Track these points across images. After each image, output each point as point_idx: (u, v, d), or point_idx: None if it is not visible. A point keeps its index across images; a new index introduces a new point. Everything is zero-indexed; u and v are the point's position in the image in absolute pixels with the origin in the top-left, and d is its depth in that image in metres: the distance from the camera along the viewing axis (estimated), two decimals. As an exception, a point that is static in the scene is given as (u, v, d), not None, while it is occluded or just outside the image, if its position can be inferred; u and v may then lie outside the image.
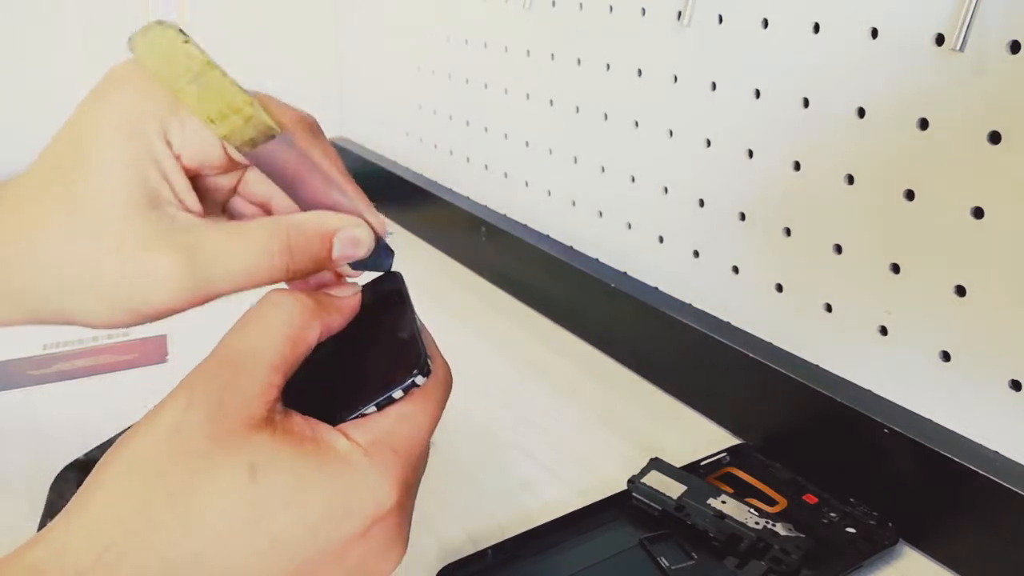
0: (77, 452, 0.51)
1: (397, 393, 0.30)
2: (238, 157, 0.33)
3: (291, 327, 0.30)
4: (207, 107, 0.31)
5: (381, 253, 0.35)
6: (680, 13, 0.56)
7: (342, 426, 0.30)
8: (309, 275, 0.34)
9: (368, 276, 0.36)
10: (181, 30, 0.30)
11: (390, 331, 0.33)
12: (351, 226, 0.33)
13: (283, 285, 0.34)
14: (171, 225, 0.31)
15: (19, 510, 0.49)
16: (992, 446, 0.43)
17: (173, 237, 0.31)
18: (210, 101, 0.31)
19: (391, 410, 0.30)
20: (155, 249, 0.30)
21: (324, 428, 0.29)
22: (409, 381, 0.30)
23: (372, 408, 0.30)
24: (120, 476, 0.27)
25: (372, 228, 0.34)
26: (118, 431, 0.30)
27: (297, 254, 0.32)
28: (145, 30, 0.30)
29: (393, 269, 0.36)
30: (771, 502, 0.48)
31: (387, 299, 0.34)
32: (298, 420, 0.29)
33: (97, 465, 0.28)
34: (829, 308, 0.50)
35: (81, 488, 0.28)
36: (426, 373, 0.30)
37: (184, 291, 0.31)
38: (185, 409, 0.28)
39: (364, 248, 0.34)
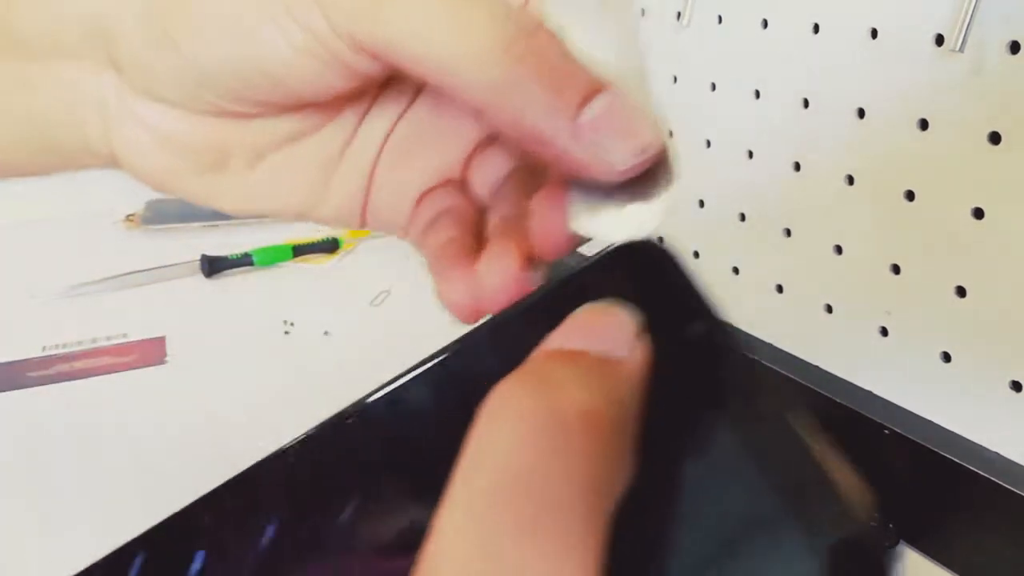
0: (76, 453, 0.51)
1: None
2: None
3: (604, 477, 0.16)
4: None
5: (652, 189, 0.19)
6: (680, 13, 0.56)
7: None
8: (523, 130, 0.19)
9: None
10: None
11: (716, 401, 0.18)
12: (634, 101, 0.19)
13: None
14: None
15: (18, 511, 0.49)
16: (993, 447, 0.43)
17: None
18: None
19: None
20: None
21: None
22: None
23: None
24: None
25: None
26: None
27: (533, 48, 0.19)
28: None
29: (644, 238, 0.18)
30: (771, 503, 0.48)
31: (664, 314, 0.17)
32: None
33: None
34: (829, 309, 0.50)
35: None
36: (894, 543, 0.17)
37: (356, 24, 0.20)
38: None
39: (645, 136, 0.19)
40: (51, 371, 0.65)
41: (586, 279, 0.18)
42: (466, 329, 0.20)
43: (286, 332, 0.70)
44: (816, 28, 0.48)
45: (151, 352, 0.67)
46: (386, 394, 0.20)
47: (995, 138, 0.40)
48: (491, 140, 0.25)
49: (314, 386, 0.59)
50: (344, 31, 0.20)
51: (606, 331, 0.17)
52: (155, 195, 1.00)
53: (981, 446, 0.44)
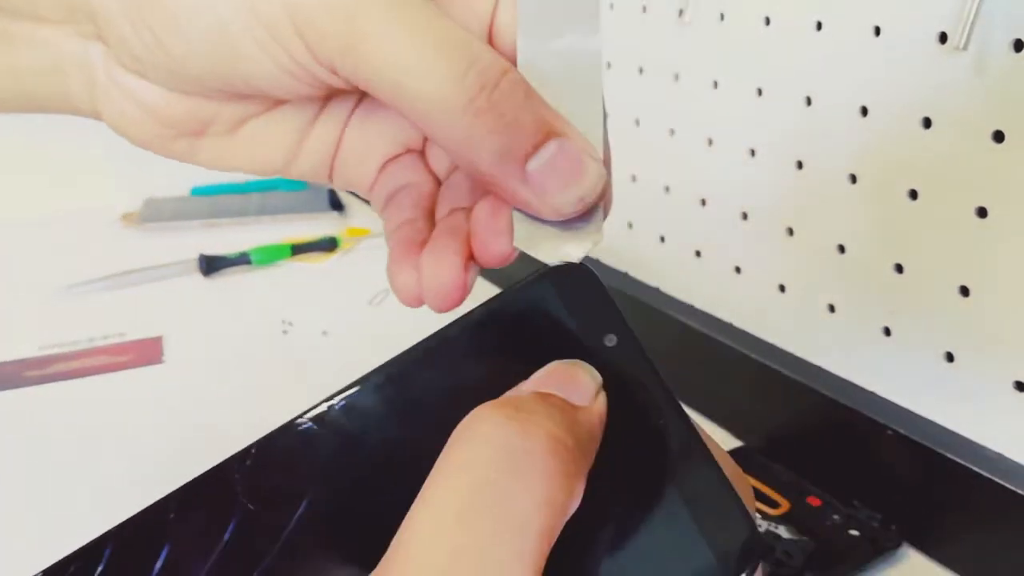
0: (73, 453, 0.51)
1: None
2: None
3: (560, 496, 0.18)
4: None
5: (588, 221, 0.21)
6: (681, 11, 0.56)
7: None
8: (476, 172, 0.21)
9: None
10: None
11: (637, 426, 0.20)
12: (585, 144, 0.21)
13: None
14: None
15: (15, 512, 0.49)
16: (996, 448, 0.43)
17: None
18: None
19: None
20: None
21: None
22: None
23: None
24: None
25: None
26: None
27: (493, 102, 0.20)
28: None
29: (575, 261, 0.21)
30: (774, 504, 0.48)
31: (588, 337, 0.21)
32: None
33: None
34: (832, 308, 0.50)
35: None
36: (759, 564, 0.19)
37: (331, 37, 0.20)
38: None
39: (587, 185, 0.21)
40: (48, 370, 0.64)
41: (523, 297, 0.21)
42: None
43: (284, 331, 0.70)
44: (819, 25, 0.47)
45: (148, 351, 0.67)
46: (339, 401, 0.22)
47: (999, 136, 0.40)
48: None
49: (312, 386, 0.59)
50: (324, 61, 0.21)
51: (574, 382, 0.20)
52: (153, 194, 1.00)
53: (984, 447, 0.43)
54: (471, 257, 0.23)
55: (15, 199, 0.93)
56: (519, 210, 0.22)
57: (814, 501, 0.48)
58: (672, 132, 0.59)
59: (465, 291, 0.23)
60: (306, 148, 0.26)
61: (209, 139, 0.25)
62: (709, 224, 0.58)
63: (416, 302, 0.23)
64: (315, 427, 0.22)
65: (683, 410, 0.20)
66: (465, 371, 0.21)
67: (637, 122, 0.62)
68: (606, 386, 0.20)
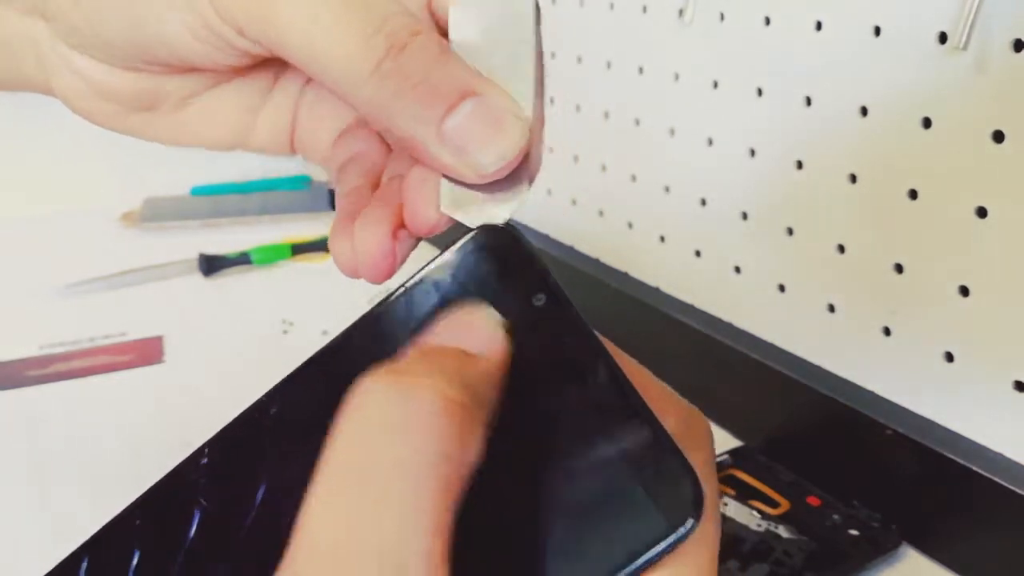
0: (74, 452, 0.50)
1: (656, 554, 0.18)
2: None
3: (452, 449, 0.17)
4: None
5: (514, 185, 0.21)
6: (681, 11, 0.56)
7: None
8: (395, 136, 0.21)
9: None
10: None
11: (569, 383, 0.20)
12: (506, 103, 0.21)
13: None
14: None
15: (16, 511, 0.49)
16: (996, 448, 0.43)
17: None
18: None
19: None
20: None
21: None
22: (679, 534, 0.18)
23: None
24: None
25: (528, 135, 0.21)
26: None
27: (400, 64, 0.20)
28: None
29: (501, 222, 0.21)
30: (773, 504, 0.48)
31: (515, 291, 0.20)
32: None
33: None
34: (832, 308, 0.50)
35: None
36: (702, 509, 0.18)
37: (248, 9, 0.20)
38: None
39: (507, 142, 0.21)
40: (49, 370, 0.65)
41: (450, 262, 0.21)
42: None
43: (284, 331, 0.70)
44: (819, 25, 0.47)
45: (149, 351, 0.67)
46: (284, 387, 0.22)
47: (999, 136, 0.40)
48: None
49: (313, 385, 0.59)
50: (231, 22, 0.21)
51: (468, 330, 0.19)
52: (153, 193, 1.00)
53: (984, 446, 0.43)
54: (401, 226, 0.23)
55: (14, 198, 0.93)
56: (448, 177, 0.21)
57: (814, 501, 0.48)
58: (672, 132, 0.59)
59: (394, 260, 0.23)
60: (262, 122, 0.26)
61: (161, 115, 0.25)
62: (709, 224, 0.58)
63: (355, 273, 0.23)
64: (264, 416, 0.22)
65: (616, 364, 0.20)
66: (400, 342, 0.21)
67: (637, 122, 0.62)
68: (537, 346, 0.20)
